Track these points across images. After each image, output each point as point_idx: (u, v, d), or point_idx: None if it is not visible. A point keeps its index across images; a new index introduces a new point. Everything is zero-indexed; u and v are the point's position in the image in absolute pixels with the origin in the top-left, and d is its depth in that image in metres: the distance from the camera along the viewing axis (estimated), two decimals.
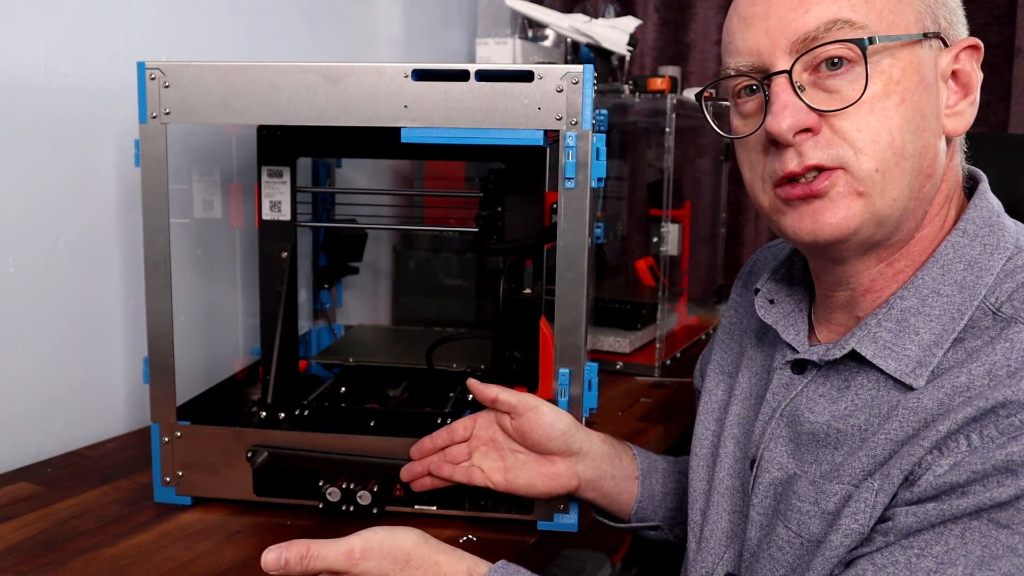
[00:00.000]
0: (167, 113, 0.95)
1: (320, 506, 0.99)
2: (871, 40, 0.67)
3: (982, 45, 0.72)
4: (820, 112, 0.69)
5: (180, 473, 1.01)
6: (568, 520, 0.98)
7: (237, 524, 0.98)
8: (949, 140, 0.73)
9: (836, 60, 0.68)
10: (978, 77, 0.72)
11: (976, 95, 0.73)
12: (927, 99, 0.70)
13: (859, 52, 0.67)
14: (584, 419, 0.97)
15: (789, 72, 0.69)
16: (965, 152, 0.77)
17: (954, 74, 0.72)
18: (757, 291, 0.84)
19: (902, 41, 0.68)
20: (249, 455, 1.00)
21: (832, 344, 0.75)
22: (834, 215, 0.69)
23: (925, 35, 0.69)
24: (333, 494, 0.98)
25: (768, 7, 0.71)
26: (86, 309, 1.23)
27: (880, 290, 0.74)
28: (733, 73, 0.73)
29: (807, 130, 0.69)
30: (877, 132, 0.68)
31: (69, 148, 1.18)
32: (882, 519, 0.67)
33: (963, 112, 0.72)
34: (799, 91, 0.69)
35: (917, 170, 0.70)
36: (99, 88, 1.21)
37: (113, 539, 0.94)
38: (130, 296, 1.28)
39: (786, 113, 0.68)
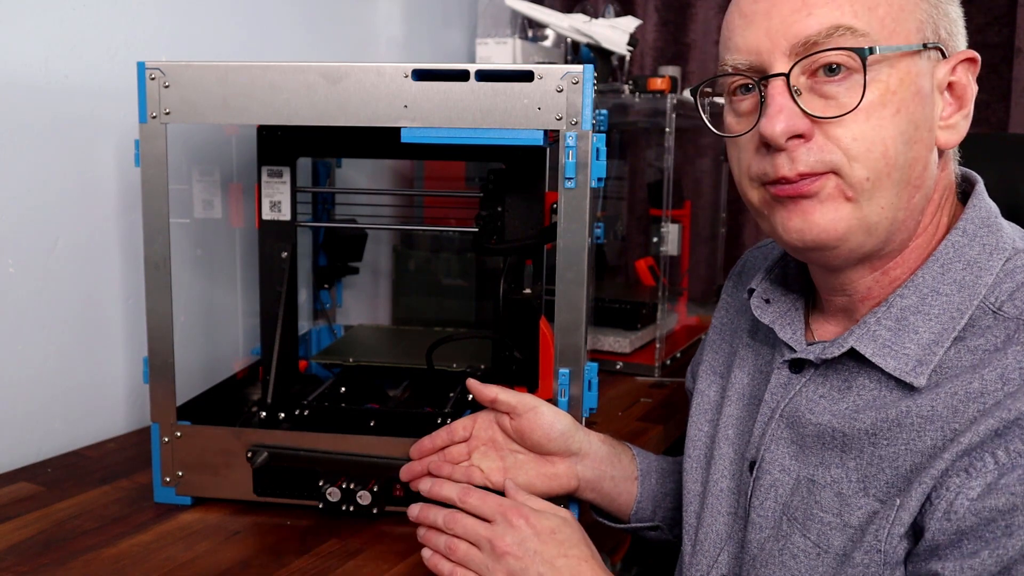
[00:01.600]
0: (167, 113, 0.95)
1: (320, 506, 0.99)
2: (871, 50, 0.67)
3: (979, 58, 0.72)
4: (815, 118, 0.69)
5: (180, 473, 1.01)
6: None
7: (237, 524, 0.98)
8: (942, 151, 0.73)
9: (835, 66, 0.68)
10: (973, 90, 0.72)
11: (970, 108, 0.72)
12: (922, 110, 0.69)
13: (858, 60, 0.67)
14: (584, 419, 0.97)
15: (787, 75, 0.69)
16: (959, 159, 0.77)
17: (950, 86, 0.72)
18: (752, 291, 0.84)
19: (901, 51, 0.68)
20: (249, 455, 1.00)
21: (830, 343, 0.75)
22: (823, 216, 0.69)
23: (925, 46, 0.69)
24: (333, 494, 0.98)
25: (771, 6, 0.70)
26: (86, 309, 1.23)
27: (877, 298, 0.75)
28: (730, 70, 0.73)
29: (800, 135, 0.69)
30: (871, 141, 0.68)
31: (69, 148, 1.18)
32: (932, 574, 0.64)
33: (956, 125, 0.72)
34: (795, 95, 0.69)
35: (906, 181, 0.69)
36: (99, 88, 1.21)
37: (113, 539, 0.94)
38: (130, 296, 1.28)
39: (780, 117, 0.68)
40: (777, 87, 0.69)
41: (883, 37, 0.68)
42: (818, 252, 0.72)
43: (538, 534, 0.80)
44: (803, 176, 0.69)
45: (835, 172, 0.69)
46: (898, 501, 0.66)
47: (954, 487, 0.63)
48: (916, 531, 0.66)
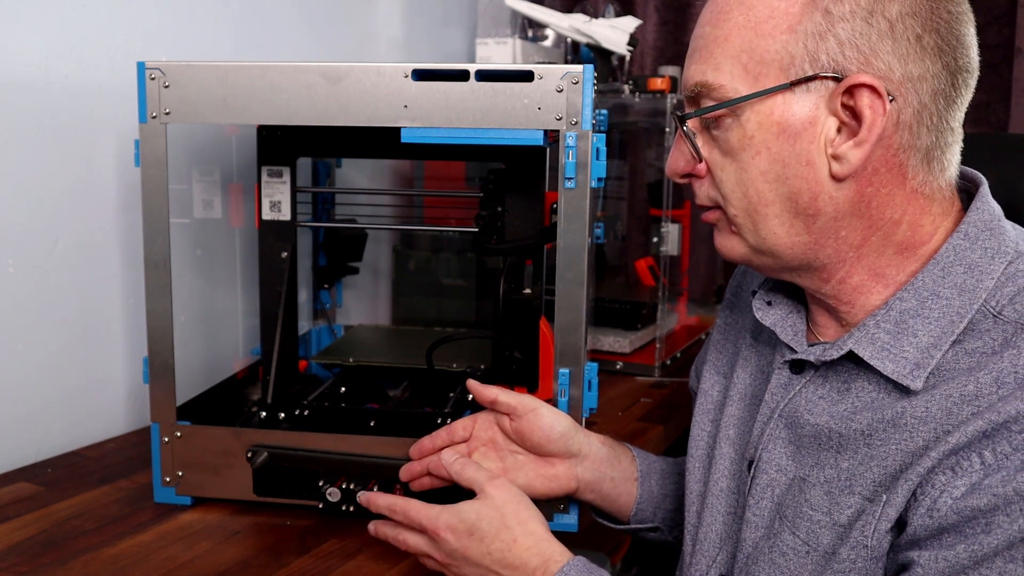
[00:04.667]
0: (167, 113, 0.95)
1: (320, 506, 0.99)
2: (696, 111, 0.73)
3: (879, 85, 0.66)
4: (696, 159, 0.76)
5: (180, 473, 1.01)
6: (568, 520, 0.99)
7: (237, 524, 0.99)
8: (843, 178, 0.70)
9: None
10: (871, 116, 0.67)
11: (867, 135, 0.67)
12: (790, 147, 0.69)
13: (724, 111, 0.71)
14: (584, 419, 0.97)
15: (682, 119, 0.75)
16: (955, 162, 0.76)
17: (851, 111, 0.68)
18: (754, 293, 0.84)
19: (760, 96, 0.69)
20: (249, 455, 1.00)
21: (830, 344, 0.75)
22: (722, 244, 0.78)
23: (792, 83, 0.68)
24: (333, 494, 0.98)
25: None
26: (86, 309, 1.23)
27: (851, 302, 0.75)
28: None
29: (692, 173, 0.77)
30: (734, 183, 0.73)
31: (69, 148, 1.18)
32: (906, 565, 0.65)
33: (844, 155, 0.68)
34: (691, 136, 0.75)
35: (791, 212, 0.72)
36: (99, 88, 1.21)
37: (113, 539, 0.94)
38: (130, 296, 1.28)
39: (673, 157, 0.78)
40: (682, 128, 0.76)
41: (747, 83, 0.70)
42: (748, 264, 0.79)
43: (459, 539, 0.81)
44: (700, 206, 0.78)
45: (719, 207, 0.76)
46: (885, 497, 0.67)
47: (939, 485, 0.64)
48: (900, 526, 0.67)
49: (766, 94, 0.69)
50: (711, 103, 0.72)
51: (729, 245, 0.77)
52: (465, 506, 0.83)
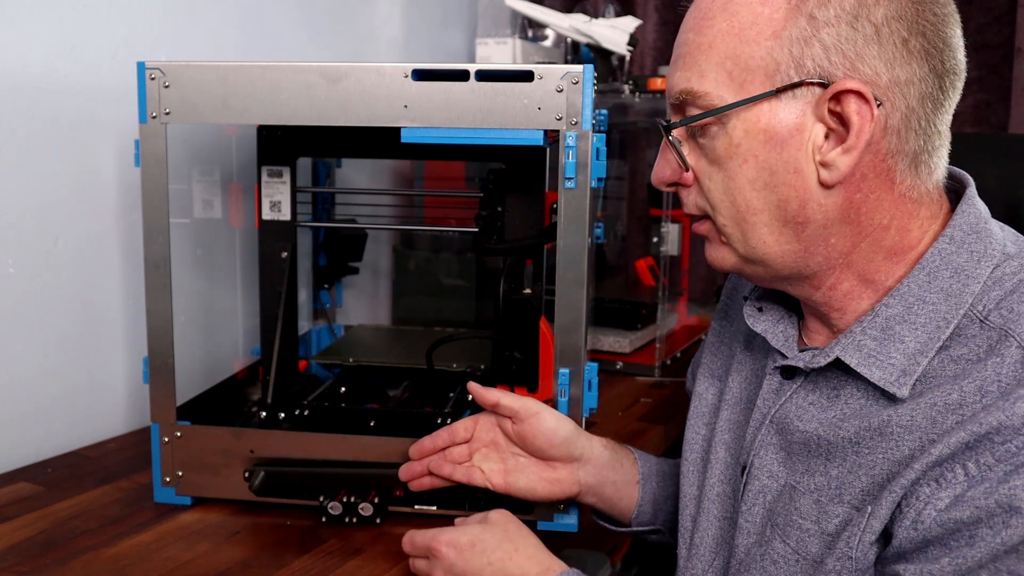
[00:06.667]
0: (167, 113, 0.95)
1: (324, 520, 0.98)
2: (683, 121, 0.72)
3: (865, 90, 0.65)
4: (683, 167, 0.75)
5: (180, 473, 1.01)
6: (568, 520, 0.99)
7: (237, 524, 0.98)
8: (832, 184, 0.69)
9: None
10: (858, 122, 0.66)
11: (855, 141, 0.67)
12: (778, 154, 0.69)
13: (711, 118, 0.71)
14: (584, 419, 0.97)
15: (667, 128, 0.74)
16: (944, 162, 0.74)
17: (839, 116, 0.67)
18: (746, 299, 0.84)
19: (746, 104, 0.68)
20: (246, 476, 0.99)
21: (818, 351, 0.75)
22: (712, 255, 0.78)
23: (778, 90, 0.67)
24: (335, 508, 0.98)
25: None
26: (86, 309, 1.23)
27: (842, 308, 0.74)
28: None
29: (678, 183, 0.76)
30: (722, 192, 0.73)
31: (69, 148, 1.18)
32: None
33: (832, 162, 0.68)
34: (677, 145, 0.74)
35: (780, 220, 0.71)
36: (99, 88, 1.21)
37: (113, 539, 0.94)
38: (130, 296, 1.28)
39: (659, 167, 0.77)
40: (665, 138, 0.75)
41: (732, 91, 0.69)
42: (738, 274, 0.78)
43: (459, 553, 0.83)
44: (688, 216, 0.77)
45: (708, 217, 0.75)
46: (870, 509, 0.66)
47: (924, 496, 0.63)
48: (886, 538, 0.66)
49: (752, 101, 0.68)
50: (696, 111, 0.71)
51: (720, 256, 0.76)
52: (469, 524, 0.85)
